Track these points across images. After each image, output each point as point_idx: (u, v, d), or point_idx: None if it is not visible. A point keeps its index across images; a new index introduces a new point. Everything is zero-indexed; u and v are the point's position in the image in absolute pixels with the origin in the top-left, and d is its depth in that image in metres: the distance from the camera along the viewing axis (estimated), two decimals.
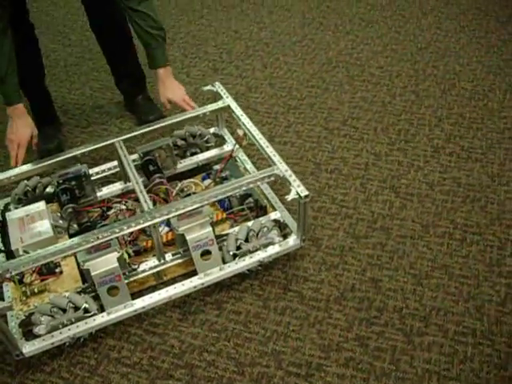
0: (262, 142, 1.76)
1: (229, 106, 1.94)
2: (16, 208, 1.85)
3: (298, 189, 1.57)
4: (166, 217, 1.56)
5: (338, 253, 1.78)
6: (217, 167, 1.93)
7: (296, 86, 2.48)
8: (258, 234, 1.68)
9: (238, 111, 1.90)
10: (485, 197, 1.93)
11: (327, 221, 1.88)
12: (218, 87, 2.01)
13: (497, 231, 1.82)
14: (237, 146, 1.96)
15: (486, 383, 1.45)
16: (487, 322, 1.58)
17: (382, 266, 1.73)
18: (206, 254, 1.63)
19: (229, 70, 2.62)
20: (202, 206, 1.59)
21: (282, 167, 1.64)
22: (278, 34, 2.86)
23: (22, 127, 1.91)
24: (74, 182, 1.83)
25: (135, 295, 1.65)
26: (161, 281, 1.71)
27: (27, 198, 1.88)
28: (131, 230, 1.54)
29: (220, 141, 2.09)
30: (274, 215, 1.76)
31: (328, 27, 2.88)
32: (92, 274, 1.53)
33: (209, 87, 2.03)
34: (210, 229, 1.61)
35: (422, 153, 2.11)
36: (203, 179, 1.95)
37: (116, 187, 1.94)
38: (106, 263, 1.54)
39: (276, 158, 1.68)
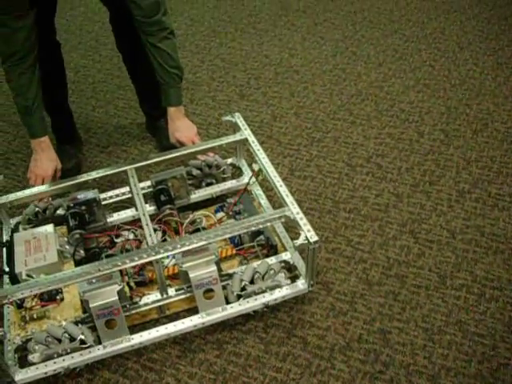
0: (276, 180, 1.70)
1: (246, 140, 1.90)
2: (25, 229, 1.83)
3: (307, 233, 1.51)
4: (170, 253, 1.51)
5: (348, 299, 1.71)
6: (231, 200, 1.88)
7: (322, 118, 2.42)
8: (264, 276, 1.62)
9: (256, 145, 1.85)
10: (509, 249, 1.83)
11: (340, 264, 1.81)
12: (238, 118, 1.97)
13: None
14: (252, 179, 1.91)
15: None
16: None
17: (393, 316, 1.65)
18: (209, 291, 1.58)
19: (255, 97, 2.58)
20: (208, 244, 1.55)
21: (293, 209, 1.58)
22: (309, 61, 2.81)
23: (47, 161, 1.92)
24: (83, 207, 1.80)
25: (136, 327, 1.62)
26: (163, 315, 1.67)
27: (37, 219, 1.85)
28: (134, 263, 1.50)
29: (238, 171, 2.04)
30: (284, 256, 1.70)
31: (360, 57, 2.82)
32: (90, 305, 1.49)
33: (228, 118, 1.98)
34: (215, 267, 1.56)
35: (446, 197, 2.02)
36: (216, 211, 1.90)
37: (127, 214, 1.90)
38: (105, 296, 1.49)
39: (289, 198, 1.62)
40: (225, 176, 2.00)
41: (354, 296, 1.71)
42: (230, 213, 1.86)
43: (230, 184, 1.99)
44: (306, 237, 1.50)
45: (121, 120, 2.50)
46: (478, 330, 1.61)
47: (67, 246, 1.77)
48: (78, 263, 1.73)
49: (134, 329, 1.61)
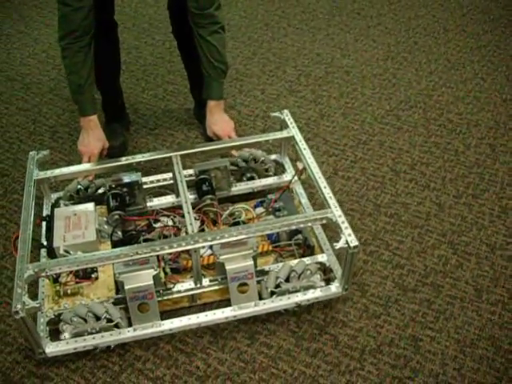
0: (321, 181, 1.71)
1: (293, 137, 1.91)
2: (66, 205, 1.87)
3: (348, 238, 1.52)
4: (208, 243, 1.54)
5: (382, 302, 1.71)
6: (271, 196, 1.88)
7: (369, 121, 2.42)
8: (300, 276, 1.63)
9: (302, 144, 1.86)
10: None
11: (377, 267, 1.81)
12: (286, 115, 1.98)
13: None
14: (295, 178, 1.91)
15: None
16: None
17: (426, 324, 1.65)
18: (244, 285, 1.59)
19: (304, 94, 2.58)
20: (248, 238, 1.56)
21: (336, 212, 1.59)
22: (361, 63, 2.80)
23: (94, 140, 1.96)
24: (125, 189, 1.82)
25: (167, 313, 1.64)
26: (194, 304, 1.68)
27: (78, 197, 1.89)
28: (172, 250, 1.52)
29: (280, 168, 2.05)
30: (320, 257, 1.71)
31: (412, 64, 2.80)
32: (126, 287, 1.52)
33: (276, 114, 2.00)
34: (252, 262, 1.58)
35: (488, 211, 2.01)
36: (256, 206, 1.91)
37: (167, 200, 1.92)
38: (140, 279, 1.52)
39: (332, 200, 1.63)
40: (267, 172, 2.01)
41: (389, 300, 1.72)
42: (270, 209, 1.86)
43: (272, 180, 2.00)
44: (347, 241, 1.51)
45: (169, 104, 2.53)
46: (511, 347, 1.61)
47: (106, 226, 1.80)
48: (115, 244, 1.74)
49: (164, 314, 1.62)
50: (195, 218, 1.76)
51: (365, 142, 2.30)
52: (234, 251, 1.58)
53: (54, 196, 1.95)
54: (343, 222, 1.57)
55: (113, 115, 2.30)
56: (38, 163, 1.88)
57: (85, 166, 1.86)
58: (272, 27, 3.12)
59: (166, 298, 1.62)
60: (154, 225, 1.81)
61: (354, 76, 2.71)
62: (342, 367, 1.55)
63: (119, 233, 1.77)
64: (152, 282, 1.52)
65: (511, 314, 1.69)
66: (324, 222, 1.60)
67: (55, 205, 1.90)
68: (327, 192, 1.67)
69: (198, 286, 1.63)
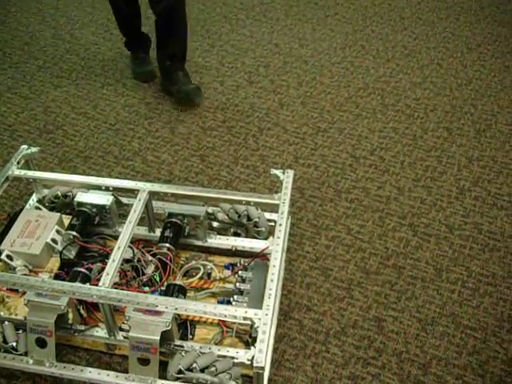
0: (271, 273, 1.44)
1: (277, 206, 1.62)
2: (38, 208, 1.83)
3: (257, 354, 1.28)
4: (116, 303, 1.40)
5: (345, 286, 1.74)
6: (245, 261, 1.68)
7: (328, 109, 2.44)
8: (207, 368, 1.39)
9: (282, 219, 1.57)
10: (505, 247, 1.87)
11: (340, 251, 1.84)
12: (287, 177, 1.69)
13: None
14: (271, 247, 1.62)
15: None
16: (489, 380, 1.52)
17: (389, 305, 1.69)
18: (144, 359, 1.41)
19: (263, 84, 2.60)
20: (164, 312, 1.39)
21: (263, 316, 1.34)
22: (319, 52, 2.83)
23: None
24: (94, 210, 1.72)
25: (85, 351, 1.56)
26: (111, 352, 1.56)
27: (57, 203, 1.82)
28: (79, 298, 1.43)
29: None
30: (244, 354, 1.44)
31: (369, 52, 2.84)
32: (27, 317, 1.44)
33: (278, 172, 1.70)
34: (158, 338, 1.37)
35: (446, 193, 2.05)
36: (226, 267, 1.70)
37: (139, 231, 1.76)
38: (45, 314, 1.43)
39: (268, 301, 1.37)
40: (259, 234, 1.75)
41: (351, 283, 1.74)
42: (235, 276, 1.66)
43: (254, 243, 1.73)
44: (253, 357, 1.28)
45: (129, 99, 2.52)
46: (471, 323, 1.65)
47: (60, 243, 1.70)
48: (62, 264, 1.66)
49: (82, 352, 1.56)
50: (151, 261, 1.64)
51: (324, 130, 2.33)
52: (146, 318, 1.40)
53: (46, 193, 1.86)
54: (264, 332, 1.31)
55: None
56: (24, 159, 1.81)
57: (61, 176, 1.78)
58: (230, 19, 3.12)
59: (76, 336, 1.52)
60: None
61: (313, 65, 2.73)
62: (308, 350, 1.58)
63: (73, 252, 1.67)
64: (52, 320, 1.42)
65: (470, 292, 1.73)
66: (247, 322, 1.36)
67: (40, 200, 1.84)
68: (269, 288, 1.40)
69: (112, 337, 1.50)
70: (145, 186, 1.69)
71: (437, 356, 1.57)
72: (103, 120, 2.40)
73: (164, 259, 1.63)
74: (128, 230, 1.57)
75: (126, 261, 1.61)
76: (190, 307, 1.36)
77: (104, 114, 2.43)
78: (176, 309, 1.37)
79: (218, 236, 1.76)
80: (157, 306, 1.37)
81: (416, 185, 2.08)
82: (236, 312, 1.35)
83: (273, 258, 1.46)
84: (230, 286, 1.63)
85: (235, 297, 1.57)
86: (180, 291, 1.55)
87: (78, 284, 1.47)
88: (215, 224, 1.79)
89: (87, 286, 1.47)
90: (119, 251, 1.52)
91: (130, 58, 2.70)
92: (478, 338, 1.61)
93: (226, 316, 1.35)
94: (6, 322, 1.50)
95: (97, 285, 1.45)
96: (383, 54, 2.82)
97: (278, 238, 1.51)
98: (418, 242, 1.87)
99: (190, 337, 1.54)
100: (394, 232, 1.90)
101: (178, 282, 1.58)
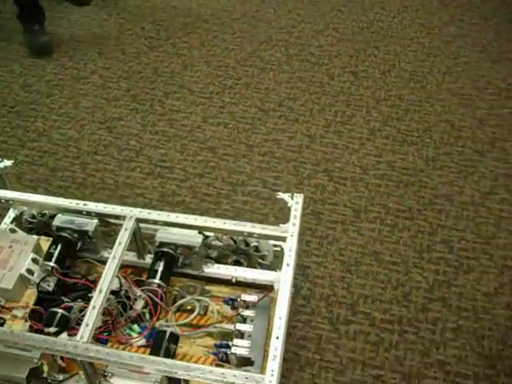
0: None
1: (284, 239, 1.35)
2: (13, 230, 1.55)
3: None
4: (96, 361, 1.22)
5: None
6: (246, 298, 1.42)
7: (233, 65, 2.40)
8: None
9: (291, 257, 1.31)
10: (418, 181, 1.90)
11: (257, 205, 1.82)
12: (296, 203, 1.40)
13: (428, 216, 1.79)
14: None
15: (408, 371, 1.44)
16: (414, 309, 1.56)
17: (311, 252, 1.69)
18: None
19: (165, 48, 2.52)
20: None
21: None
22: (218, 10, 2.76)
23: None
24: (75, 235, 1.48)
25: None
26: None
27: (32, 223, 1.58)
28: (52, 353, 1.25)
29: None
30: None
31: (269, 4, 2.80)
32: None
33: (285, 197, 1.42)
34: None
35: (357, 135, 2.06)
36: (226, 302, 1.45)
37: (129, 258, 1.49)
38: (15, 368, 1.26)
39: (273, 364, 1.16)
40: (263, 260, 1.50)
41: None
42: (237, 316, 1.42)
43: (257, 274, 1.45)
44: None
45: (28, 78, 2.40)
46: (392, 258, 1.68)
47: (37, 273, 1.44)
48: (39, 298, 1.43)
49: None
50: (139, 297, 1.41)
51: (231, 87, 2.29)
52: (131, 375, 1.25)
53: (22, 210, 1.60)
54: None
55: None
56: None
57: (33, 198, 1.51)
58: None
59: None
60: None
61: (213, 24, 2.67)
62: None
63: (52, 284, 1.43)
64: (24, 375, 1.25)
65: (389, 228, 1.76)
66: None
67: (16, 219, 1.58)
68: (274, 348, 1.17)
69: None
70: (131, 213, 1.42)
71: (363, 295, 1.59)
72: (2, 103, 2.27)
73: (154, 297, 1.40)
74: (111, 268, 1.33)
75: (112, 292, 1.40)
76: (181, 372, 1.15)
77: (2, 96, 2.31)
78: (165, 371, 1.17)
79: (217, 265, 1.49)
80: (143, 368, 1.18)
81: (327, 130, 2.08)
82: (235, 378, 1.14)
83: (279, 307, 1.23)
84: (230, 325, 1.39)
85: (235, 341, 1.34)
86: (171, 340, 1.35)
87: (51, 339, 1.23)
88: (212, 252, 1.54)
89: (63, 340, 1.24)
90: (101, 296, 1.28)
91: (24, 32, 2.56)
92: (401, 271, 1.64)
93: (222, 381, 1.14)
94: None
95: (75, 334, 1.24)
96: (283, 6, 2.79)
97: (285, 281, 1.26)
98: (335, 187, 1.88)
99: None
100: (310, 179, 1.90)
101: (170, 327, 1.38)
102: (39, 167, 1.98)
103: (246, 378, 1.14)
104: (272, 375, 1.13)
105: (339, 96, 2.23)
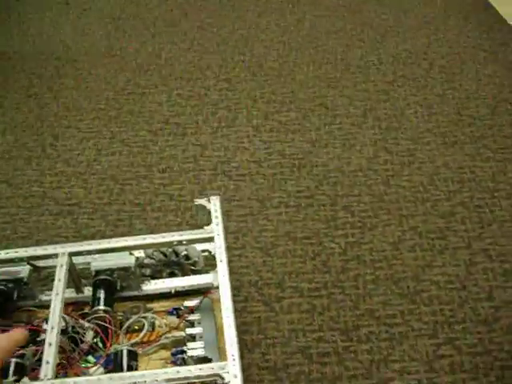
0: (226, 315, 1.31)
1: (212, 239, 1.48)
2: None
3: None
4: None
5: None
6: (189, 303, 1.48)
7: (112, 96, 2.47)
8: None
9: (221, 253, 1.43)
10: (309, 162, 2.06)
11: (169, 218, 1.90)
12: (214, 204, 1.49)
13: (326, 190, 1.95)
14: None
15: (344, 326, 1.57)
16: (335, 272, 1.70)
17: (230, 247, 1.79)
18: None
19: (42, 94, 2.53)
20: None
21: (232, 368, 1.19)
22: (86, 48, 2.81)
23: None
24: (10, 285, 1.43)
25: None
26: None
27: None
28: None
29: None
30: None
31: (134, 35, 2.88)
32: None
33: (203, 202, 1.51)
34: None
35: (244, 134, 2.20)
36: (170, 313, 1.50)
37: (68, 294, 1.46)
38: None
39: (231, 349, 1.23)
40: (195, 266, 1.58)
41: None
42: (184, 322, 1.47)
43: (194, 280, 1.53)
44: None
45: None
46: (304, 233, 1.82)
47: None
48: None
49: None
50: (87, 328, 1.40)
51: (116, 117, 2.34)
52: None
53: None
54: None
55: None
56: None
57: None
58: None
59: None
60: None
61: (84, 61, 2.70)
62: None
63: None
64: None
65: (294, 209, 1.90)
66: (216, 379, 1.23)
67: None
68: (228, 336, 1.26)
69: None
70: (63, 249, 1.43)
71: (287, 272, 1.71)
72: None
73: (103, 323, 1.40)
74: (57, 304, 1.32)
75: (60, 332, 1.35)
76: (150, 379, 1.15)
77: None
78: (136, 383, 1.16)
79: (154, 281, 1.53)
80: None
81: (215, 136, 2.20)
82: (201, 371, 1.17)
83: (223, 299, 1.30)
84: (179, 332, 1.42)
85: (188, 344, 1.37)
86: (131, 356, 1.33)
87: None
88: (146, 271, 1.56)
89: (27, 383, 1.20)
90: (54, 332, 1.27)
91: None
92: (314, 243, 1.78)
93: (190, 378, 1.16)
94: None
95: (36, 376, 1.20)
96: (147, 32, 2.88)
97: (223, 276, 1.36)
98: (236, 185, 2.00)
99: None
100: (211, 184, 2.01)
101: (125, 346, 1.36)
102: None
103: (212, 368, 1.18)
104: (234, 359, 1.19)
105: (219, 104, 2.36)
